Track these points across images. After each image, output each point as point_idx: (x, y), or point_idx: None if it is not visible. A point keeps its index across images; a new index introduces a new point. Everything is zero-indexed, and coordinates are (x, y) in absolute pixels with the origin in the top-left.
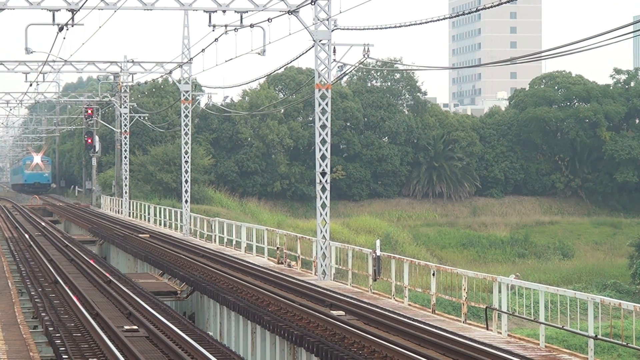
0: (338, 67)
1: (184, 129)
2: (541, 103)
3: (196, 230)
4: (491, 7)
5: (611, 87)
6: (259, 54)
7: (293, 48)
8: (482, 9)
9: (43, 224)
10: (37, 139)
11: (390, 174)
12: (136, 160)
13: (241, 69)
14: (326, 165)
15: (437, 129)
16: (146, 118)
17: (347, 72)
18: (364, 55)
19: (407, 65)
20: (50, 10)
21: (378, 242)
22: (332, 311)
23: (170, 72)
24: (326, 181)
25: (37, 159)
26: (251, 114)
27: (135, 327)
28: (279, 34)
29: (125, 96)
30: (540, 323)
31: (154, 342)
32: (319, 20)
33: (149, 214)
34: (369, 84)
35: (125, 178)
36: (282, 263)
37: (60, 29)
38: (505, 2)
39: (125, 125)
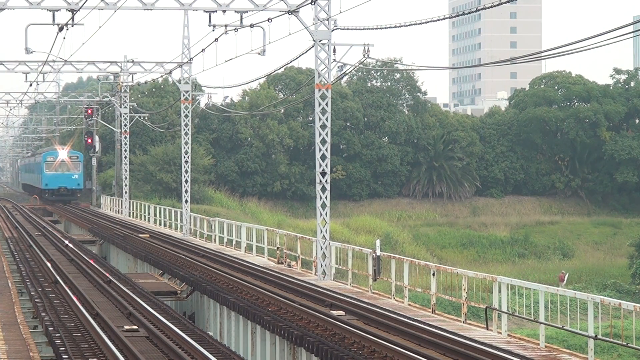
0: (338, 67)
1: (184, 129)
2: (541, 103)
3: (196, 230)
4: (491, 7)
5: (611, 87)
6: (259, 54)
7: (293, 48)
8: (482, 9)
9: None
10: (37, 139)
11: (390, 174)
12: (136, 160)
13: (241, 69)
14: (326, 165)
15: (437, 129)
16: (146, 118)
17: (347, 72)
18: (364, 55)
19: (407, 65)
20: (50, 10)
21: (378, 242)
22: (332, 311)
23: (170, 72)
24: (326, 181)
25: (64, 154)
26: (251, 114)
27: (135, 327)
28: (279, 34)
29: (125, 96)
30: (540, 323)
31: (154, 342)
32: (319, 20)
33: (149, 214)
34: (369, 84)
35: (125, 178)
36: (282, 263)
37: (60, 29)
38: (505, 2)
39: (125, 125)
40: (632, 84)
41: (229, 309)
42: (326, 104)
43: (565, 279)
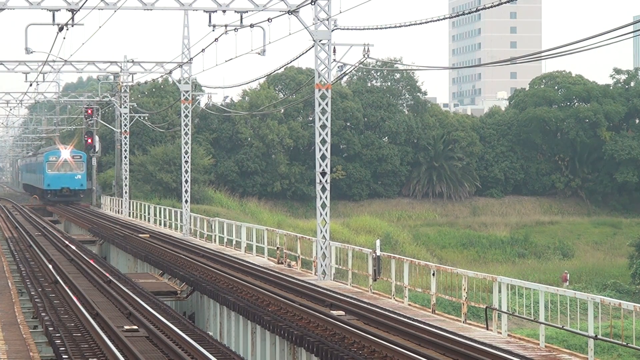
0: (338, 67)
1: (184, 129)
2: (541, 103)
3: (196, 230)
4: (491, 7)
5: (611, 87)
6: (259, 54)
7: (293, 48)
8: (482, 9)
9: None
10: (37, 139)
11: (390, 174)
12: (136, 160)
13: (241, 69)
14: (326, 165)
15: (437, 129)
16: (146, 118)
17: (347, 72)
18: (364, 55)
19: (407, 65)
20: (50, 10)
21: (378, 242)
22: (332, 311)
23: (170, 72)
24: (326, 181)
25: (66, 153)
26: (251, 114)
27: (135, 327)
28: (279, 34)
29: (125, 96)
30: (540, 323)
31: (154, 342)
32: (319, 20)
33: (149, 214)
34: (369, 84)
35: (125, 178)
36: (282, 263)
37: (60, 29)
38: (505, 2)
39: (125, 125)
40: (632, 84)
41: (229, 309)
42: (326, 104)
43: (568, 279)
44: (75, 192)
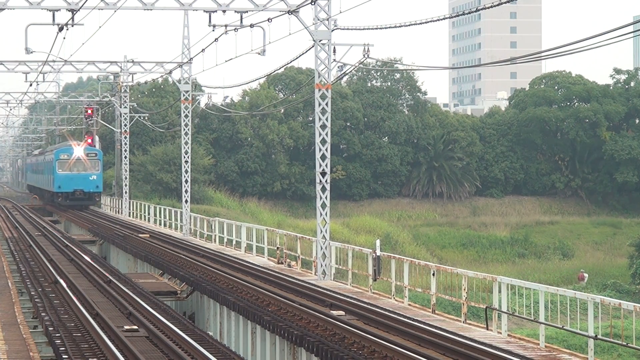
0: (338, 67)
1: (184, 129)
2: (541, 103)
3: (196, 230)
4: (491, 7)
5: (611, 87)
6: (259, 54)
7: (293, 48)
8: (482, 9)
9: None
10: (37, 139)
11: (390, 174)
12: (136, 160)
13: (241, 69)
14: (326, 165)
15: (437, 129)
16: (146, 118)
17: (347, 72)
18: (364, 55)
19: (407, 65)
20: (50, 10)
21: (378, 242)
22: (332, 311)
23: (170, 72)
24: (326, 181)
25: (80, 151)
26: (251, 114)
27: (135, 327)
28: (279, 34)
29: (125, 96)
30: (540, 323)
31: (154, 342)
32: (319, 20)
33: (149, 214)
34: (369, 84)
35: (125, 178)
36: (282, 263)
37: (60, 29)
38: (505, 2)
39: (125, 125)
40: (632, 84)
41: (229, 309)
42: (326, 104)
43: (586, 278)
44: (89, 195)
